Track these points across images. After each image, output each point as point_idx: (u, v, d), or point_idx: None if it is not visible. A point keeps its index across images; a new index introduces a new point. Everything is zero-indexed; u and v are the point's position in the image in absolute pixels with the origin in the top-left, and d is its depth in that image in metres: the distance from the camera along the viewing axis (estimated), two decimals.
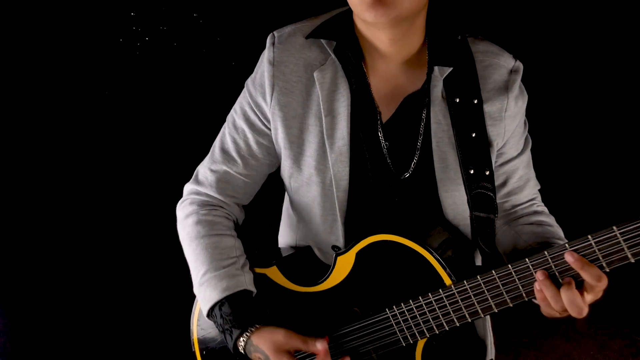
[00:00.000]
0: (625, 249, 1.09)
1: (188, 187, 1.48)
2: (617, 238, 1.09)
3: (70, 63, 2.58)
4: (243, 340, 1.31)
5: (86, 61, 2.60)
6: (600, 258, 1.11)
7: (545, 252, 1.15)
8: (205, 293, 1.36)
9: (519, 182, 1.40)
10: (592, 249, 1.11)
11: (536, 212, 1.41)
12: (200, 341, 1.49)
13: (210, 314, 1.36)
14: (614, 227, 1.09)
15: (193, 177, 1.48)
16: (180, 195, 1.50)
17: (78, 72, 2.60)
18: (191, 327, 1.50)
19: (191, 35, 2.62)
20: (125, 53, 2.62)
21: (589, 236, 1.11)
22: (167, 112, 2.64)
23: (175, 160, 2.58)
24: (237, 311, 1.32)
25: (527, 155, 1.42)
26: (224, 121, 1.48)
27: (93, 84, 2.62)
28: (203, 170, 1.46)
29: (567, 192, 1.77)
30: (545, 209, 1.44)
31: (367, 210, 1.36)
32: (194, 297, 1.49)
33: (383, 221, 1.34)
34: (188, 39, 2.63)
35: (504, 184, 1.40)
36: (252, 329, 1.31)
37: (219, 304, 1.33)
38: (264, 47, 1.39)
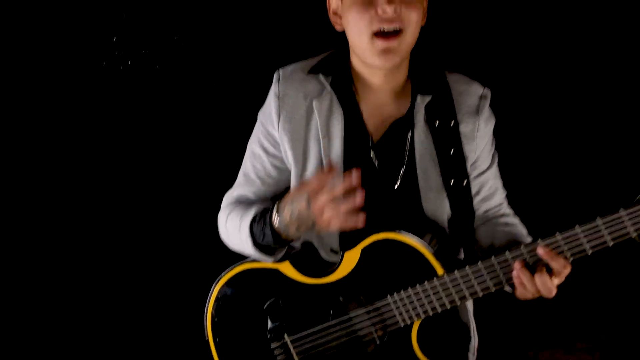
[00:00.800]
0: (585, 243, 1.39)
1: (219, 215, 1.76)
2: (579, 235, 1.39)
3: (54, 88, 2.68)
4: (275, 214, 1.54)
5: (70, 85, 2.69)
6: (565, 251, 1.41)
7: (522, 246, 1.45)
8: (244, 230, 1.61)
9: (490, 190, 1.69)
10: (559, 244, 1.41)
11: (504, 215, 1.70)
12: (214, 328, 1.69)
13: (255, 243, 1.59)
14: (577, 226, 1.39)
15: (222, 206, 1.78)
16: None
17: (61, 97, 2.68)
18: (205, 321, 1.70)
19: (173, 57, 2.79)
20: (108, 77, 2.75)
21: (557, 233, 1.41)
22: (150, 134, 2.76)
23: (160, 175, 2.73)
24: (264, 216, 1.57)
25: (495, 167, 1.71)
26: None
27: (77, 108, 2.71)
28: (230, 195, 1.77)
29: (534, 197, 2.10)
30: (512, 211, 1.73)
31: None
32: (201, 296, 1.71)
33: (374, 227, 1.57)
34: (170, 62, 2.79)
35: (478, 192, 1.68)
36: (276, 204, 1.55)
37: (252, 224, 1.59)
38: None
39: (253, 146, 1.74)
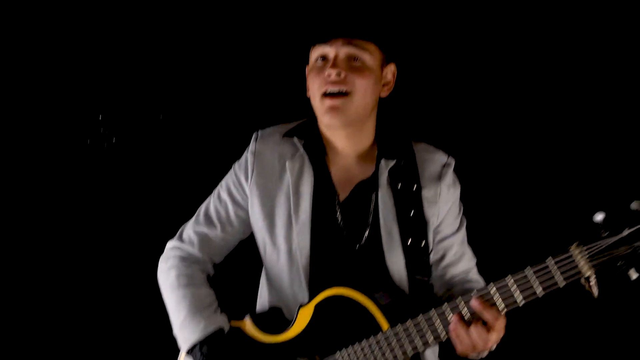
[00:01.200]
0: (516, 293, 1.44)
1: (171, 244, 1.82)
2: (509, 287, 1.45)
3: (39, 163, 2.77)
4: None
5: (54, 162, 2.78)
6: (499, 302, 1.46)
7: (459, 299, 1.50)
8: (185, 335, 1.66)
9: (455, 256, 1.73)
10: (492, 295, 1.46)
11: (470, 281, 1.73)
12: None
13: (190, 352, 1.65)
14: (509, 276, 1.45)
15: (177, 235, 1.83)
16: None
17: (46, 173, 2.77)
18: None
19: (157, 136, 2.88)
20: (93, 154, 2.83)
21: (491, 284, 1.47)
22: (135, 212, 2.82)
23: (145, 250, 2.75)
24: (212, 350, 1.61)
25: (462, 233, 1.76)
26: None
27: (61, 185, 2.78)
28: (187, 231, 1.81)
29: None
30: (480, 279, 1.75)
31: (327, 274, 1.67)
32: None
33: (341, 283, 1.63)
34: (154, 140, 2.88)
35: (442, 258, 1.73)
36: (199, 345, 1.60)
37: (198, 344, 1.62)
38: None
39: (220, 191, 1.83)
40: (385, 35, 1.74)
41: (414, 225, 1.67)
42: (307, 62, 1.78)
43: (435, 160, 1.75)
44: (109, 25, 2.69)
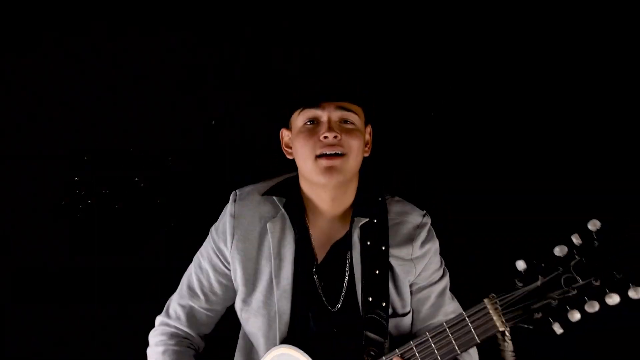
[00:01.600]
0: (437, 351, 1.43)
1: (159, 319, 1.82)
2: (429, 342, 1.44)
3: (15, 225, 2.82)
4: None
5: (30, 223, 2.83)
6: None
7: (383, 358, 1.50)
8: None
9: (432, 309, 1.72)
10: (413, 352, 1.46)
11: None
12: None
13: None
14: (427, 333, 1.44)
15: (164, 310, 1.82)
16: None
17: (22, 234, 2.82)
18: None
19: (133, 197, 2.92)
20: (68, 216, 2.88)
21: (411, 342, 1.46)
22: (110, 274, 2.84)
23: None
24: None
25: (441, 286, 1.75)
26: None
27: (37, 245, 2.84)
28: (173, 305, 1.81)
29: None
30: None
31: (304, 340, 1.66)
32: None
33: (317, 348, 1.63)
34: (130, 202, 2.93)
35: (419, 310, 1.72)
36: None
37: None
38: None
39: (201, 260, 1.80)
40: (369, 99, 1.77)
41: (377, 284, 1.66)
42: (283, 124, 1.79)
43: (408, 222, 1.73)
44: (94, 89, 2.76)
